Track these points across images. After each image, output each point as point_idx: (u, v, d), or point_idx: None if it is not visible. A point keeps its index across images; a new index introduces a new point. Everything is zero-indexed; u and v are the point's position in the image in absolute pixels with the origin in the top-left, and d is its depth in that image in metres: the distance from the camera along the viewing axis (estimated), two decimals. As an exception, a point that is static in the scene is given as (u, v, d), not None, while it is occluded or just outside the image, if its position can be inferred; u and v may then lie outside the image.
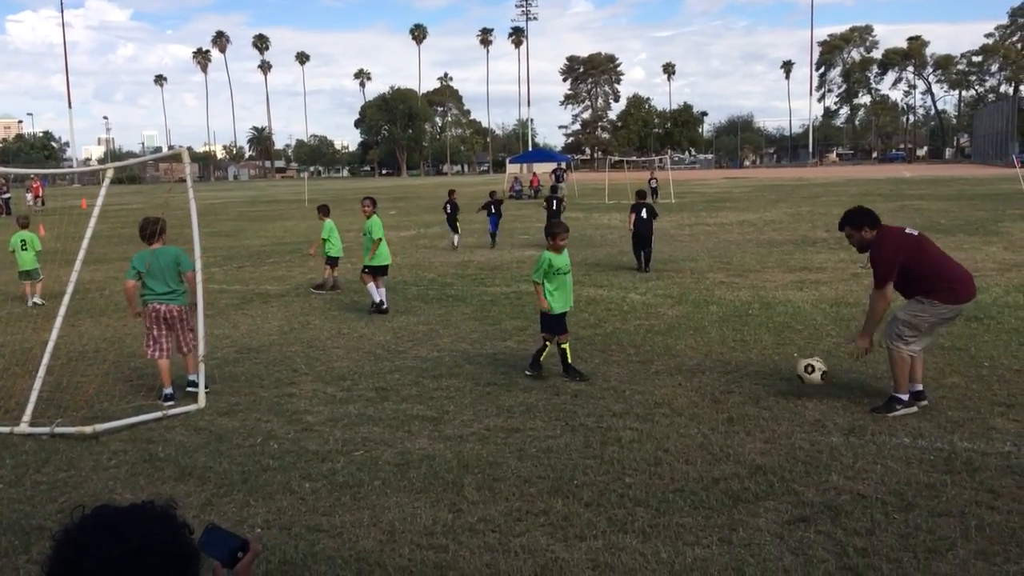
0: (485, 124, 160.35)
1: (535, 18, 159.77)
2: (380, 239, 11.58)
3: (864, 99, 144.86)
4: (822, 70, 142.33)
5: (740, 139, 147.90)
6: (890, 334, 6.50)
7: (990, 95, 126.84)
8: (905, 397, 6.39)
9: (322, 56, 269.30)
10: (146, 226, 7.42)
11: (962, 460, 5.37)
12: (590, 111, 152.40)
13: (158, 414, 6.81)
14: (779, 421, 6.28)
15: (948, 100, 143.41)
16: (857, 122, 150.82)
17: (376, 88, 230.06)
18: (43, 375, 6.98)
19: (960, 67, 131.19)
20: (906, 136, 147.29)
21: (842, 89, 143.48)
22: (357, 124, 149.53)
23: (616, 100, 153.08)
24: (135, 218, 8.57)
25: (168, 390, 7.30)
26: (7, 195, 41.00)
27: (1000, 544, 4.23)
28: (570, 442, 5.97)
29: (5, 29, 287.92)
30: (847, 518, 4.57)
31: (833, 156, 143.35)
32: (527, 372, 7.74)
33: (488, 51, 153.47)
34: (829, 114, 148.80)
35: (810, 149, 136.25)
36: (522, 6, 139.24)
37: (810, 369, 6.73)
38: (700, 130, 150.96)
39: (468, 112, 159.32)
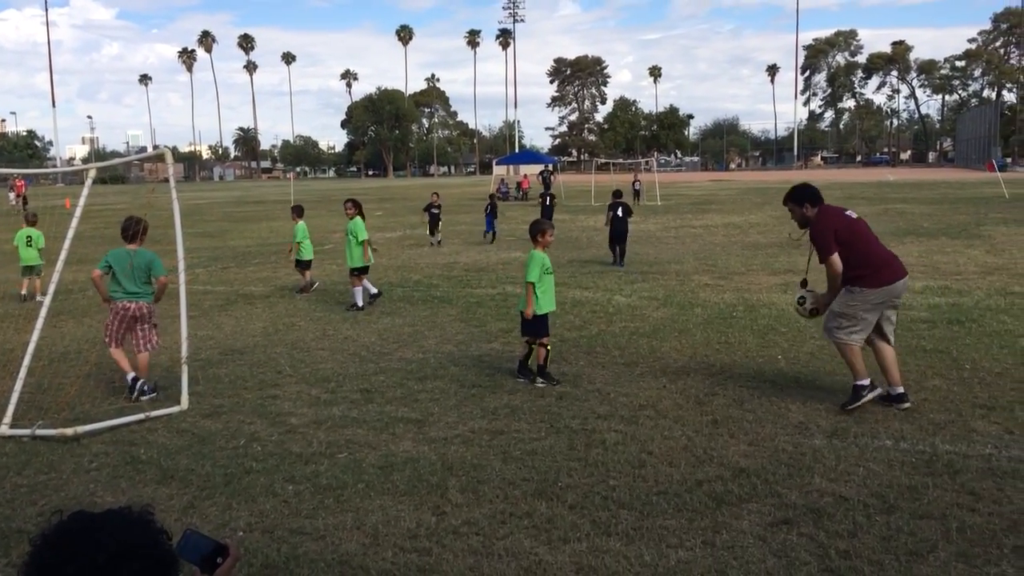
0: (472, 125, 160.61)
1: (522, 20, 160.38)
2: (366, 240, 11.84)
3: (849, 103, 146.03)
4: (807, 74, 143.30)
5: (726, 142, 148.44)
6: (829, 329, 6.71)
7: (973, 100, 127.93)
8: (866, 382, 6.52)
9: (308, 56, 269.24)
10: (129, 226, 7.53)
11: (943, 462, 5.40)
12: (577, 113, 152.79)
13: (140, 416, 6.76)
14: (763, 423, 6.30)
15: (931, 104, 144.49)
16: (842, 126, 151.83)
17: (363, 89, 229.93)
18: (24, 376, 6.92)
19: (943, 72, 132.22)
20: (890, 140, 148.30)
21: (827, 93, 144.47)
22: (343, 125, 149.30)
23: (603, 102, 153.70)
24: (118, 218, 8.51)
25: (131, 375, 7.42)
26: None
27: (980, 546, 4.26)
28: (555, 444, 5.97)
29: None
30: (829, 520, 4.59)
31: (818, 159, 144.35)
32: (519, 378, 7.66)
33: (475, 53, 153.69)
34: (814, 117, 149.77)
35: (795, 152, 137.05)
36: (509, 8, 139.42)
37: (802, 301, 6.95)
38: (686, 133, 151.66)
39: (455, 113, 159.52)
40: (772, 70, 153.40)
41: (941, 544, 4.29)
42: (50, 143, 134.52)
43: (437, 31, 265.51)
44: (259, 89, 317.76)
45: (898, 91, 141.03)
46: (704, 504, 4.87)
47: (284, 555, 4.38)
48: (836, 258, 6.54)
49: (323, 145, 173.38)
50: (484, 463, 5.62)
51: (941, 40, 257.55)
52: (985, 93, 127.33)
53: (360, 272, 11.84)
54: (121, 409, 7.04)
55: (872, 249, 6.70)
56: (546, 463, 5.60)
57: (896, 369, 6.65)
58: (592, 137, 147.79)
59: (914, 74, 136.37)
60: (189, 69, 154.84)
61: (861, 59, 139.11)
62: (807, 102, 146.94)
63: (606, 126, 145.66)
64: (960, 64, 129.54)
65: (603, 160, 70.44)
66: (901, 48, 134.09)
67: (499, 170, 57.54)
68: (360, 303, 11.69)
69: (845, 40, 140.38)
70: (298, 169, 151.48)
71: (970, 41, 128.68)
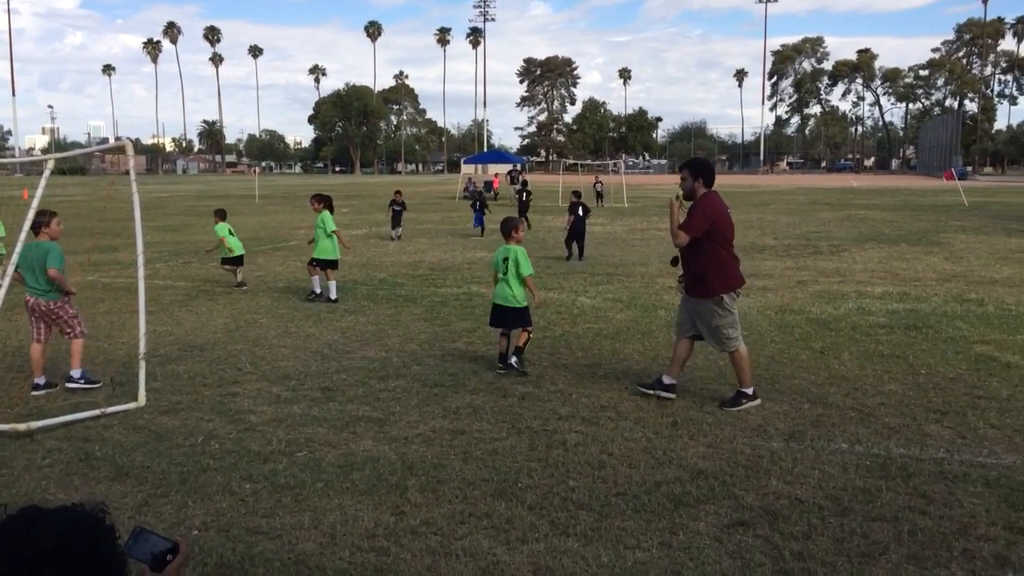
0: (441, 123, 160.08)
1: (493, 19, 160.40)
2: (334, 231, 12.21)
3: (814, 109, 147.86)
4: (774, 79, 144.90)
5: (693, 145, 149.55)
6: (720, 343, 6.97)
7: (936, 108, 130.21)
8: (750, 391, 6.85)
9: (276, 50, 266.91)
10: (35, 218, 7.32)
11: (897, 466, 5.49)
12: (546, 114, 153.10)
13: (96, 412, 6.65)
14: (722, 426, 6.36)
15: (895, 112, 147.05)
16: (807, 131, 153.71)
17: (331, 84, 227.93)
18: (-24, 371, 6.78)
19: (907, 80, 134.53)
20: (854, 146, 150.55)
21: (793, 99, 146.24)
22: (311, 120, 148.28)
23: (572, 103, 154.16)
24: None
25: (38, 379, 7.37)
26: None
27: (931, 549, 4.34)
28: (515, 444, 5.97)
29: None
30: (785, 522, 4.65)
31: (783, 164, 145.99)
32: (523, 371, 7.89)
33: (445, 51, 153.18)
34: (780, 123, 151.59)
35: (761, 157, 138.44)
36: (480, 7, 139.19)
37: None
38: (654, 135, 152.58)
39: (424, 111, 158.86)
40: (740, 75, 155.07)
41: (893, 546, 4.36)
42: (9, 132, 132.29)
43: (407, 28, 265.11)
44: (225, 82, 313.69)
45: (863, 98, 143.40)
46: (662, 505, 4.90)
47: (239, 554, 4.33)
48: (685, 238, 6.76)
49: (290, 140, 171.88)
50: (444, 463, 5.61)
51: (905, 49, 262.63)
52: (947, 102, 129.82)
53: (328, 266, 12.08)
54: (76, 405, 6.93)
55: (731, 251, 7.00)
56: (507, 463, 5.60)
57: (680, 366, 7.15)
58: (561, 138, 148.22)
59: (879, 82, 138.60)
60: (154, 60, 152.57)
61: (827, 66, 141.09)
62: (774, 107, 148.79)
63: (575, 127, 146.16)
64: (924, 73, 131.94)
65: (571, 161, 70.65)
66: (866, 56, 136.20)
67: (467, 169, 57.46)
68: (319, 290, 12.08)
69: (812, 47, 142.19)
70: (264, 164, 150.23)
71: (934, 51, 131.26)
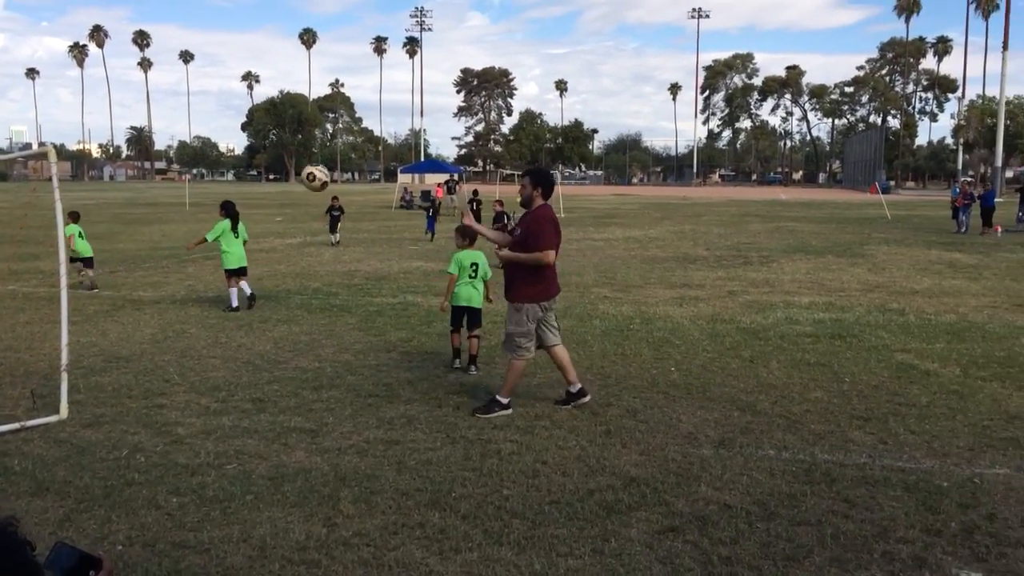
0: (377, 132, 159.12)
1: (430, 29, 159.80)
2: (207, 239, 12.43)
3: (745, 123, 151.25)
4: (707, 94, 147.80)
5: (628, 157, 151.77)
6: (511, 349, 7.03)
7: (860, 124, 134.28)
8: (505, 401, 6.94)
9: (208, 56, 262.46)
10: None
11: (821, 471, 5.64)
12: (483, 124, 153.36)
13: (15, 425, 6.42)
14: (654, 433, 6.45)
15: (822, 127, 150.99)
16: (738, 145, 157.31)
17: (265, 91, 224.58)
18: None
19: (833, 96, 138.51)
20: (783, 160, 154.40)
21: (725, 113, 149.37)
22: (244, 127, 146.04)
23: (509, 114, 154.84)
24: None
25: None
26: None
27: (853, 551, 4.46)
28: (450, 454, 5.96)
29: None
30: (713, 528, 4.73)
31: (716, 177, 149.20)
32: (476, 370, 8.29)
33: (382, 60, 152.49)
34: (712, 136, 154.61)
35: (694, 169, 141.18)
36: (417, 16, 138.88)
37: (311, 177, 7.14)
38: (590, 147, 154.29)
39: (360, 120, 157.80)
40: (674, 88, 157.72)
41: (817, 550, 4.48)
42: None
43: (343, 36, 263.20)
44: (155, 88, 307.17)
45: (791, 113, 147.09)
46: (595, 513, 4.95)
47: (165, 569, 4.23)
48: (553, 253, 6.85)
49: (222, 147, 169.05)
50: (378, 473, 5.57)
51: (832, 66, 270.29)
52: (872, 118, 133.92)
53: (233, 274, 12.19)
54: (-6, 418, 6.68)
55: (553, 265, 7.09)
56: (441, 473, 5.58)
57: (572, 368, 7.16)
58: (498, 148, 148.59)
59: (806, 98, 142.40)
60: (80, 64, 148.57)
61: (757, 81, 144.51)
62: (706, 121, 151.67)
63: (512, 137, 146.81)
64: (849, 90, 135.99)
65: (508, 171, 70.84)
66: (795, 73, 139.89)
67: (404, 178, 57.24)
68: (235, 304, 12.03)
69: (743, 63, 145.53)
70: (195, 171, 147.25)
71: (858, 68, 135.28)
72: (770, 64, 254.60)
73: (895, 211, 41.70)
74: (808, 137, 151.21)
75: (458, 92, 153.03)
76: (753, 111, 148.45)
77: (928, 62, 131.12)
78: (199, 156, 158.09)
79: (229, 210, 12.52)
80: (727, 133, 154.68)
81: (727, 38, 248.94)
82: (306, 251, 21.23)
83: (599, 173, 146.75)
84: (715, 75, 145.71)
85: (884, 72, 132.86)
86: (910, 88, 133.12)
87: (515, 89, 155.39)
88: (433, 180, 58.26)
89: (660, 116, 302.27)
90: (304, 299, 13.04)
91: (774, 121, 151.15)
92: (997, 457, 5.96)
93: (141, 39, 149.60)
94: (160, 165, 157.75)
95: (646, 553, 4.43)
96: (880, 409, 7.12)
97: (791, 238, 26.27)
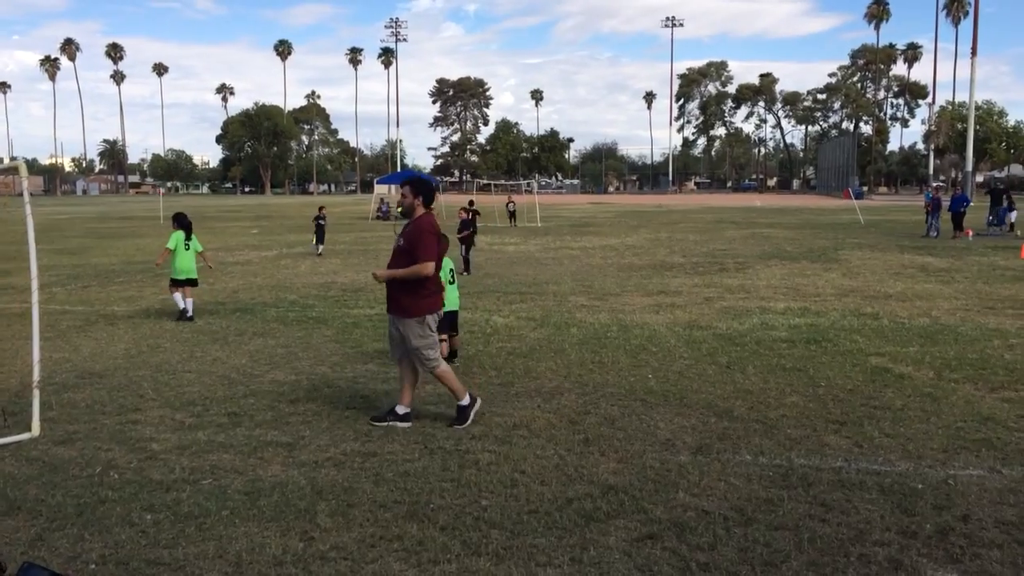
0: (353, 143, 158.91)
1: (405, 39, 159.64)
2: (170, 249, 12.41)
3: (720, 131, 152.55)
4: (681, 102, 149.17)
5: (604, 166, 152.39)
6: (421, 363, 6.95)
7: (833, 131, 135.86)
8: (467, 402, 6.93)
9: (182, 69, 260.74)
10: None
11: (798, 476, 5.67)
12: (459, 134, 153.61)
13: (-15, 444, 6.33)
14: (632, 441, 6.46)
15: (796, 134, 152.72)
16: (713, 152, 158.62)
17: (240, 103, 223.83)
18: None
19: (806, 104, 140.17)
20: (758, 167, 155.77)
21: (699, 121, 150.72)
22: (219, 140, 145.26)
23: (485, 124, 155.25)
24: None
25: None
26: None
27: (830, 555, 4.49)
28: (428, 465, 5.94)
29: None
30: (691, 534, 4.74)
31: (691, 184, 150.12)
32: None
33: (357, 71, 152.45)
34: (687, 144, 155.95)
35: (670, 177, 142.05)
36: (392, 27, 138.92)
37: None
38: (566, 156, 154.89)
39: (336, 131, 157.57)
40: (649, 97, 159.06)
41: (794, 554, 4.50)
42: None
43: (318, 48, 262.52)
44: (128, 101, 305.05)
45: (765, 121, 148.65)
46: (573, 521, 4.94)
47: (139, 588, 4.18)
48: (432, 265, 6.82)
49: (197, 160, 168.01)
50: (355, 486, 5.54)
51: (805, 74, 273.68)
52: (844, 125, 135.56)
53: (178, 284, 12.30)
54: (-36, 437, 6.58)
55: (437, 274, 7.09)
56: (419, 485, 5.56)
57: (409, 394, 7.04)
58: (474, 158, 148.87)
59: (780, 105, 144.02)
60: (52, 78, 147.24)
61: (731, 89, 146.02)
62: (681, 129, 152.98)
63: (488, 147, 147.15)
64: (821, 97, 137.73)
65: (484, 181, 70.97)
66: (768, 80, 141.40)
67: (380, 189, 57.04)
68: (182, 305, 12.21)
69: (716, 71, 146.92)
70: (170, 184, 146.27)
71: (831, 75, 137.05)
72: (744, 72, 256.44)
73: (868, 216, 42.16)
74: (782, 144, 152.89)
75: (434, 102, 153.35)
76: (727, 118, 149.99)
77: (899, 68, 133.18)
78: (173, 169, 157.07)
79: (182, 221, 12.61)
80: (702, 141, 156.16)
81: (701, 46, 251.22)
82: (282, 263, 21.11)
83: (575, 182, 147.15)
84: (689, 83, 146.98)
85: (856, 79, 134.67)
86: (881, 94, 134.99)
87: (491, 99, 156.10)
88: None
89: (635, 125, 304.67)
90: (280, 311, 12.96)
91: (748, 128, 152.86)
92: (971, 458, 6.02)
93: (114, 52, 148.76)
94: (134, 179, 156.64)
95: (625, 561, 4.43)
96: (855, 413, 7.17)
97: (766, 244, 26.47)
